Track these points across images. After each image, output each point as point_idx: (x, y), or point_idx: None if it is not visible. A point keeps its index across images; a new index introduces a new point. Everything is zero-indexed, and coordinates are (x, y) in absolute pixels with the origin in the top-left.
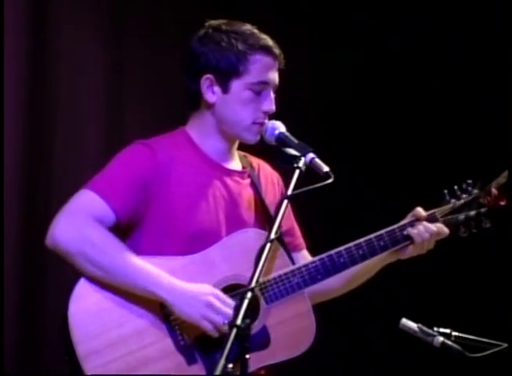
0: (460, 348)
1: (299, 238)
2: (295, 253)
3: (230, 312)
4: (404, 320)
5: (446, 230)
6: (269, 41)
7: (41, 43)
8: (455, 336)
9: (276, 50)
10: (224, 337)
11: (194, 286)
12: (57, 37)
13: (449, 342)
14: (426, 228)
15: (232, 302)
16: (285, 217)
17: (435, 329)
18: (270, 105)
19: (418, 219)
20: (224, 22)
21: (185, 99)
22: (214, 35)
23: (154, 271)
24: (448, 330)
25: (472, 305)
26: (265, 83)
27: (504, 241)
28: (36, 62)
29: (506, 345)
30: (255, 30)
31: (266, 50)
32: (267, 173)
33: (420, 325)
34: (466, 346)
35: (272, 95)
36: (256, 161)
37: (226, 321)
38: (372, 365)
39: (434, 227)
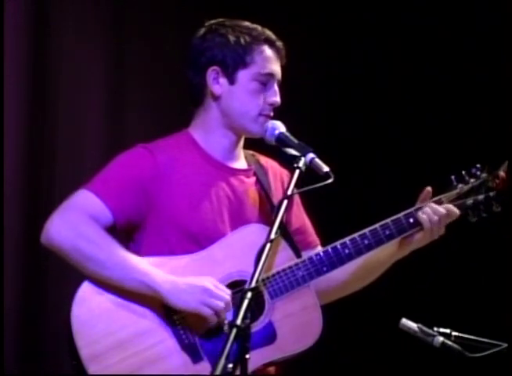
0: (460, 348)
1: (311, 235)
2: (308, 250)
3: (227, 297)
4: (404, 320)
5: (456, 210)
6: (272, 35)
7: (41, 43)
8: (455, 336)
9: (279, 43)
10: (225, 329)
11: (189, 277)
12: (57, 38)
13: (449, 342)
14: (434, 210)
15: (228, 291)
16: (295, 215)
17: (435, 329)
18: (275, 97)
19: (424, 199)
20: (225, 19)
21: (189, 98)
22: (219, 29)
23: (150, 266)
24: (448, 330)
25: (472, 305)
26: (270, 74)
27: (504, 241)
28: (36, 62)
29: (506, 345)
30: (257, 25)
31: (270, 42)
32: (276, 171)
33: (420, 325)
34: (466, 346)
35: (276, 87)
36: (265, 160)
37: (224, 305)
38: (372, 365)
39: (442, 209)
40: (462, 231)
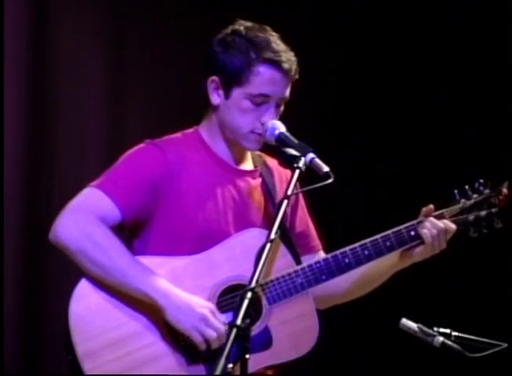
0: (460, 348)
1: (315, 240)
2: (311, 254)
3: (222, 328)
4: (404, 320)
5: (453, 226)
6: (280, 56)
7: (41, 43)
8: (455, 336)
9: (286, 65)
10: (212, 351)
11: (191, 297)
12: (57, 38)
13: (449, 342)
14: (433, 224)
15: (225, 321)
16: (300, 218)
17: (435, 329)
18: (270, 118)
19: (426, 216)
20: (247, 26)
21: (202, 97)
22: (229, 38)
23: (153, 275)
24: (448, 330)
25: (472, 305)
26: (265, 96)
27: (504, 241)
28: (36, 62)
29: (506, 345)
30: (273, 40)
31: (273, 64)
32: (281, 173)
33: (420, 325)
34: (466, 346)
35: (273, 108)
36: (271, 161)
37: (217, 336)
38: (372, 365)
39: (441, 223)
40: (462, 231)
